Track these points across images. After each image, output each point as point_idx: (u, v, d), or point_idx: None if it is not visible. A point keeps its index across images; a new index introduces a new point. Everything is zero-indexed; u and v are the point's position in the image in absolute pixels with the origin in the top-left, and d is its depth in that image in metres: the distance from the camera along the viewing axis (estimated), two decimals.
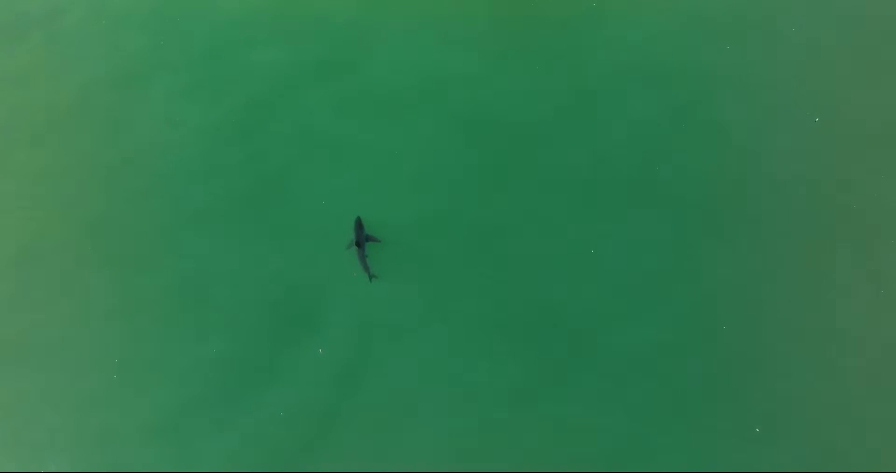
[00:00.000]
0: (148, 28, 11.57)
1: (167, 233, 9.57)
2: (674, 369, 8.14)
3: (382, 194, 9.59)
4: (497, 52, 10.74)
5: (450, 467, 7.81)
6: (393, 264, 9.01)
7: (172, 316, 8.99)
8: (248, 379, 8.51)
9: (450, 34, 10.91)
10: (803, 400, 7.86)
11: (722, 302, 8.49)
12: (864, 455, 7.54)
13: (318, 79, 10.70)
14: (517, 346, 8.43)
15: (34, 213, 9.96)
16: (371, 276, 8.82)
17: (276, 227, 9.48)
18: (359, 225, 9.09)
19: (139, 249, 9.47)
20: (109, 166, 10.22)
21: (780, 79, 10.08)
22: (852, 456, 7.54)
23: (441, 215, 9.36)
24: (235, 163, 10.05)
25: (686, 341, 8.29)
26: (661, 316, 8.45)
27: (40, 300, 9.26)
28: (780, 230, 8.89)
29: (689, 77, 10.19)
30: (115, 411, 8.45)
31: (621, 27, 10.77)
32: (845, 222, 8.85)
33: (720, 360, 8.16)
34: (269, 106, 10.52)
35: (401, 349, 8.50)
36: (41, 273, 9.45)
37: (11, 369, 8.86)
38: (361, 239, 8.91)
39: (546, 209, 9.28)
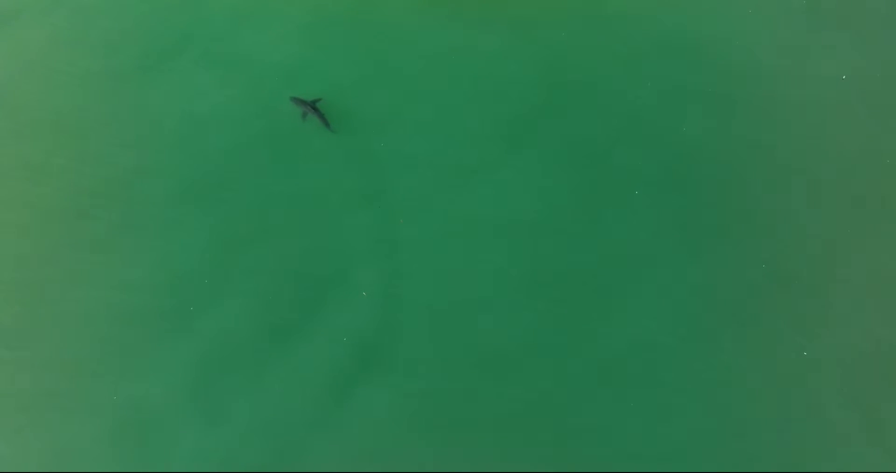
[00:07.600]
0: None
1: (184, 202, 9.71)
2: None
3: None
4: None
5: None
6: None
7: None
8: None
9: None
10: None
11: None
12: None
13: None
14: None
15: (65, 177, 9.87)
16: (332, 130, 10.06)
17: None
18: (297, 100, 10.12)
19: (163, 216, 9.60)
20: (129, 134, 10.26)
21: None
22: None
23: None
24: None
25: None
26: None
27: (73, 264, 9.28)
28: None
29: None
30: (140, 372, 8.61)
31: None
32: None
33: None
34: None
35: None
36: (76, 234, 9.48)
37: (45, 330, 8.91)
38: (310, 103, 10.11)
39: None
